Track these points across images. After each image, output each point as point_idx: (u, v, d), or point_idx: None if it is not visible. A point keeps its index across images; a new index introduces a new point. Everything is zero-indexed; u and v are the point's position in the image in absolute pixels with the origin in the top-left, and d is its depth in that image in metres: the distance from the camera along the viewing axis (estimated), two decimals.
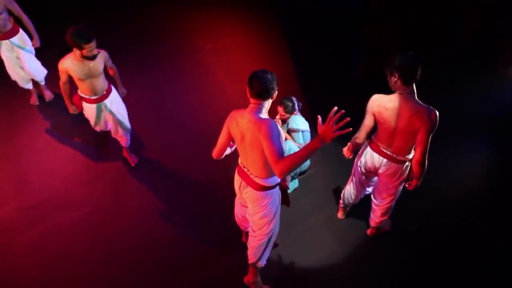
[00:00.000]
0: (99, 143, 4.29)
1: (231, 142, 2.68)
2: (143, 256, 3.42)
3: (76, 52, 3.19)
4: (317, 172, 4.08)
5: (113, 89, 3.67)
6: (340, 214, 3.69)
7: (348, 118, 1.95)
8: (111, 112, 3.63)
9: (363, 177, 3.19)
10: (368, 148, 2.98)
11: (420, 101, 2.61)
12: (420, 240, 3.56)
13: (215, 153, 2.73)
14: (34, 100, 4.65)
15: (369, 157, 2.98)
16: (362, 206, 3.59)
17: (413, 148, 2.78)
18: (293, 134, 3.73)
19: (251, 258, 2.99)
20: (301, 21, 6.01)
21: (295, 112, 3.75)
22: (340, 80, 5.08)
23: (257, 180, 2.58)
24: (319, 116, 2.11)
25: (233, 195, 3.00)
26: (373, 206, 3.33)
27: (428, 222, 3.68)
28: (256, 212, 2.74)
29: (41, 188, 3.89)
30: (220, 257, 3.43)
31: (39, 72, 4.39)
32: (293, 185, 3.89)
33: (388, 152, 2.85)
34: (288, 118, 3.76)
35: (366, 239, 3.56)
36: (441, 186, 3.92)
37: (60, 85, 3.44)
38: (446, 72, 5.13)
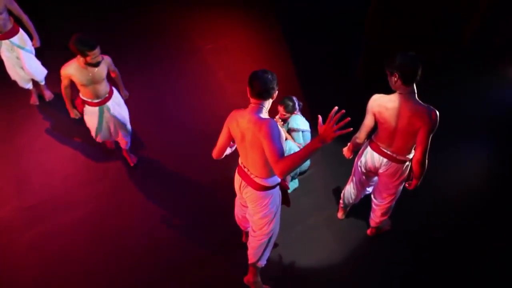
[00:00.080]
0: (99, 143, 4.28)
1: (231, 142, 2.68)
2: (143, 256, 3.42)
3: (79, 58, 3.16)
4: (317, 172, 4.08)
5: (115, 91, 3.64)
6: (340, 214, 3.69)
7: (349, 118, 1.95)
8: (113, 115, 3.61)
9: (363, 177, 3.20)
10: (368, 148, 2.98)
11: (420, 101, 2.61)
12: (420, 240, 3.56)
13: (215, 153, 2.73)
14: (34, 100, 4.65)
15: (369, 157, 2.99)
16: (362, 206, 3.59)
17: (413, 148, 2.79)
18: (293, 133, 3.73)
19: (251, 258, 2.99)
20: (301, 21, 6.01)
21: (295, 112, 3.75)
22: (340, 80, 5.08)
23: (257, 180, 2.58)
24: (319, 116, 2.11)
25: (233, 195, 3.00)
26: (373, 206, 3.33)
27: (428, 222, 3.68)
28: (256, 212, 2.74)
29: (41, 188, 3.89)
30: (220, 257, 3.43)
31: (39, 72, 4.39)
32: (293, 185, 3.89)
33: (388, 152, 2.85)
34: (289, 117, 3.75)
35: (366, 239, 3.57)
36: (441, 186, 3.93)
37: (61, 89, 3.42)
38: (446, 72, 5.14)
